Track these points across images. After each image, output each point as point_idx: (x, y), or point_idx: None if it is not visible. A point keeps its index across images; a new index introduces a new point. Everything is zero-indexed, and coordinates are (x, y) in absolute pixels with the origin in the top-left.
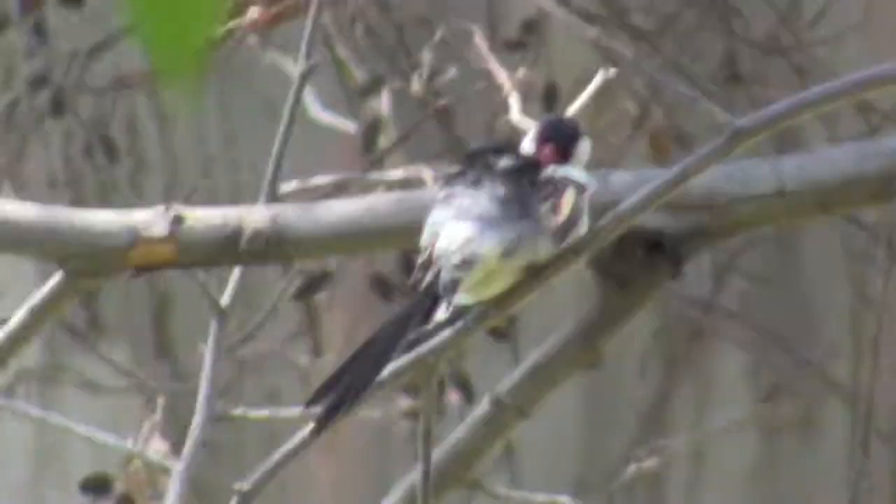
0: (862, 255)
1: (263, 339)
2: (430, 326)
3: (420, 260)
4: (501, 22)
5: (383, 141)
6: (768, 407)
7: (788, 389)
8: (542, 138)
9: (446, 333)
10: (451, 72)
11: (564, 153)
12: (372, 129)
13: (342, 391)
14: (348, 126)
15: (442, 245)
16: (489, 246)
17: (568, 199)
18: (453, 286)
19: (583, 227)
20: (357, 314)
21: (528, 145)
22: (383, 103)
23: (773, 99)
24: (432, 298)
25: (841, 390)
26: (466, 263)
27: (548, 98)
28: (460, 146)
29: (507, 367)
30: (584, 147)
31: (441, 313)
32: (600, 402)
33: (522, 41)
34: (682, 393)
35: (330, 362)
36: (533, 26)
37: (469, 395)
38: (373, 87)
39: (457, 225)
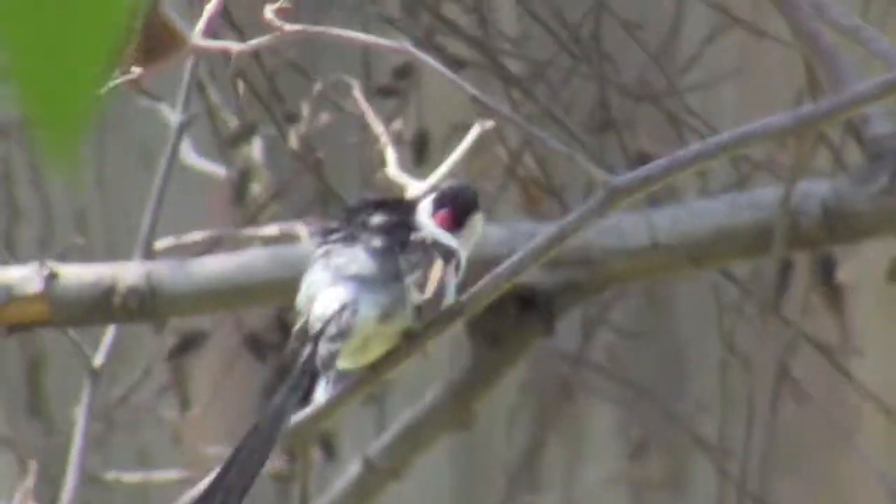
0: (733, 308)
1: (133, 397)
2: (309, 409)
3: (296, 327)
4: (375, 68)
5: (256, 189)
6: (637, 463)
7: (657, 445)
8: (439, 204)
9: (324, 400)
10: (324, 121)
11: (458, 222)
12: (244, 178)
13: (224, 497)
14: (220, 172)
15: (317, 313)
16: (365, 313)
17: (435, 274)
18: (331, 360)
19: (449, 298)
20: (226, 366)
21: (425, 207)
22: (256, 151)
23: (645, 147)
24: (310, 375)
25: (708, 446)
26: (343, 334)
27: (418, 146)
28: (334, 198)
29: (373, 426)
30: (479, 221)
31: (321, 393)
32: (470, 458)
33: (395, 88)
34: (552, 449)
35: (198, 416)
36: (405, 72)
37: (331, 452)
38: (245, 135)
39: (332, 290)
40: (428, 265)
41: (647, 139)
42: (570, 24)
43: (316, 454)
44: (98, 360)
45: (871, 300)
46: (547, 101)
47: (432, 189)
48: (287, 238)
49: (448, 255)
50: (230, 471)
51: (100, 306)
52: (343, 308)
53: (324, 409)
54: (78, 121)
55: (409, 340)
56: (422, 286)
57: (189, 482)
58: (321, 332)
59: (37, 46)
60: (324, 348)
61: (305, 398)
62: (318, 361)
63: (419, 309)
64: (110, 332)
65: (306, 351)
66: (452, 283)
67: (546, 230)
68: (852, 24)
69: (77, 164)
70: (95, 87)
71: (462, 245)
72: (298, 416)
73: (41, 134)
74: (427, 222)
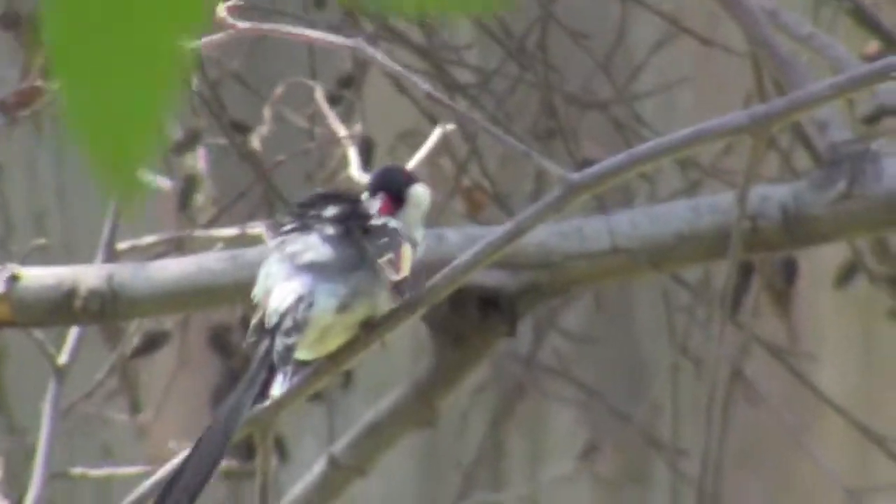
0: (684, 311)
1: (96, 396)
2: (267, 403)
3: (253, 320)
4: (320, 76)
5: (200, 199)
6: (592, 462)
7: (613, 444)
8: (374, 189)
9: (280, 395)
10: (271, 128)
11: (397, 200)
12: (188, 186)
13: (181, 497)
14: (164, 183)
15: (273, 306)
16: (322, 304)
17: (406, 255)
18: (287, 354)
19: (421, 283)
20: (178, 368)
21: (366, 199)
22: (200, 160)
23: (593, 154)
24: (267, 370)
25: (662, 446)
26: (298, 328)
27: (364, 152)
28: (280, 202)
29: (328, 428)
30: (419, 192)
31: (278, 387)
32: (433, 455)
33: (339, 95)
34: (514, 446)
35: (152, 418)
36: (350, 80)
37: (284, 454)
38: (189, 143)
39: (288, 283)
40: (397, 247)
41: (593, 147)
42: (516, 33)
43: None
44: (63, 358)
45: (828, 303)
46: (493, 109)
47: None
48: (246, 239)
49: (411, 241)
50: (186, 469)
51: (61, 308)
52: (299, 300)
53: (282, 399)
54: (138, 161)
55: (368, 331)
56: (395, 267)
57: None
58: (277, 326)
59: (97, 84)
60: (280, 343)
61: (262, 393)
62: (275, 356)
63: (395, 288)
64: (74, 330)
65: (263, 345)
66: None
67: (502, 227)
68: (806, 32)
69: (143, 194)
70: (157, 127)
71: (409, 222)
72: (257, 407)
73: (101, 172)
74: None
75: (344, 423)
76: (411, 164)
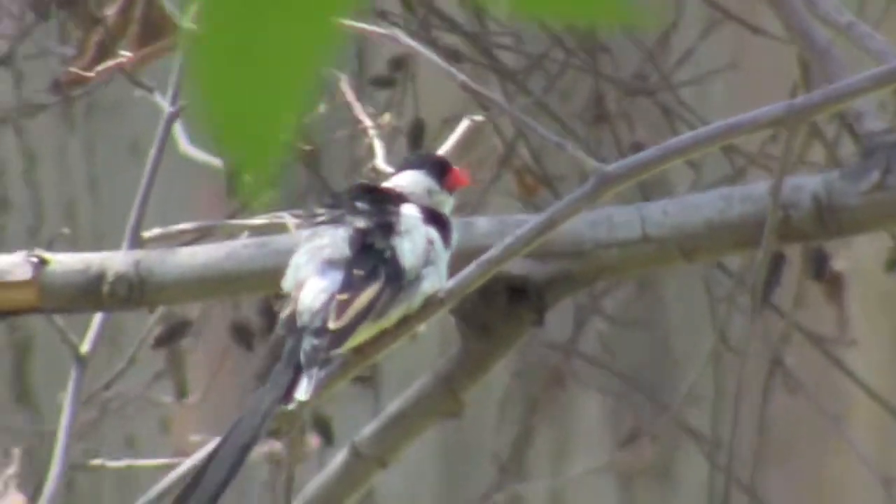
0: (725, 300)
1: (124, 383)
2: (291, 406)
3: (284, 312)
4: (371, 60)
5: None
6: (626, 453)
7: (647, 435)
8: (440, 169)
9: (306, 398)
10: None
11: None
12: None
13: (203, 497)
14: (215, 162)
15: (305, 303)
16: (354, 307)
17: (360, 302)
18: (315, 355)
19: (442, 271)
20: (222, 353)
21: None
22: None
23: (640, 139)
24: (294, 370)
25: (699, 437)
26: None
27: (414, 135)
28: (324, 188)
29: (368, 412)
30: (407, 178)
31: (303, 391)
32: (457, 447)
33: (390, 78)
34: (541, 438)
35: (193, 404)
36: (401, 63)
37: (329, 438)
38: None
39: (321, 280)
40: (358, 288)
41: (642, 132)
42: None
43: (313, 440)
44: (85, 347)
45: (861, 292)
46: (541, 93)
47: (396, 170)
48: (275, 228)
49: (447, 226)
50: (206, 472)
51: (88, 293)
52: (330, 300)
53: (307, 400)
54: (273, 162)
55: (399, 324)
56: (337, 312)
57: (173, 467)
58: (308, 321)
59: (233, 87)
60: (308, 343)
61: (287, 394)
62: (302, 356)
63: (329, 337)
64: (97, 319)
65: (291, 342)
66: (446, 255)
67: (534, 218)
68: (845, 21)
69: (270, 192)
70: (290, 129)
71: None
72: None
73: (238, 166)
74: (416, 203)
75: (371, 413)
76: (444, 150)
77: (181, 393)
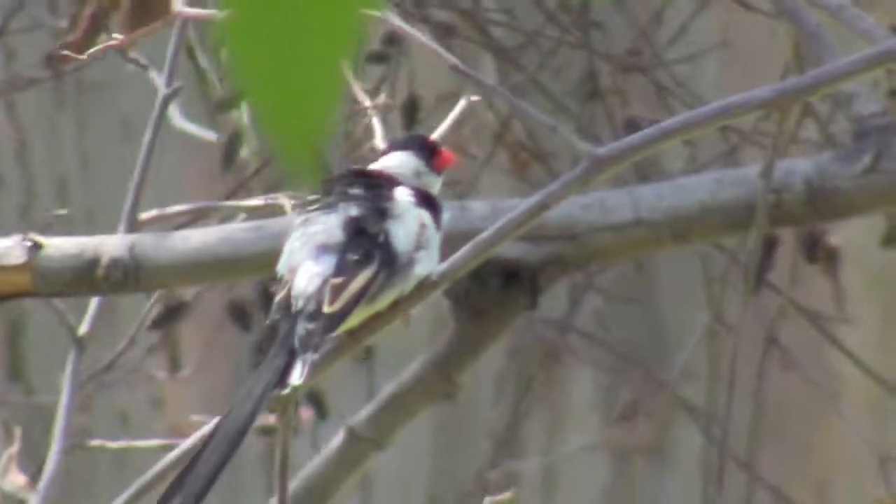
0: (719, 277)
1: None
2: (286, 391)
3: (278, 296)
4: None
5: (244, 154)
6: (621, 429)
7: (642, 411)
8: (429, 151)
9: (300, 383)
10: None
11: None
12: (233, 143)
13: (197, 483)
14: (210, 137)
15: (300, 288)
16: (349, 290)
17: (355, 286)
18: (309, 340)
19: (434, 251)
20: (210, 335)
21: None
22: (245, 116)
23: (633, 116)
24: (288, 354)
25: (694, 413)
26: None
27: (408, 112)
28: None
29: (362, 390)
30: (397, 160)
31: (297, 375)
32: (451, 425)
33: (384, 54)
34: (535, 415)
35: (187, 380)
36: (394, 39)
37: (323, 412)
38: (234, 100)
39: (314, 264)
40: (353, 272)
41: (636, 107)
42: None
43: (305, 413)
44: (83, 329)
45: (854, 269)
46: (535, 70)
47: (383, 152)
48: (271, 210)
49: (437, 208)
50: (203, 455)
51: (83, 277)
52: (324, 284)
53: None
54: (315, 140)
55: (392, 307)
56: (332, 296)
57: (170, 448)
58: (302, 305)
59: (273, 69)
60: (301, 327)
61: (282, 379)
62: (296, 341)
63: (324, 320)
64: (95, 301)
65: (285, 327)
66: (438, 238)
67: (526, 201)
68: (835, 4)
69: (318, 176)
70: (332, 108)
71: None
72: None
73: (281, 154)
74: (407, 186)
75: (364, 395)
76: (441, 132)
77: (174, 367)
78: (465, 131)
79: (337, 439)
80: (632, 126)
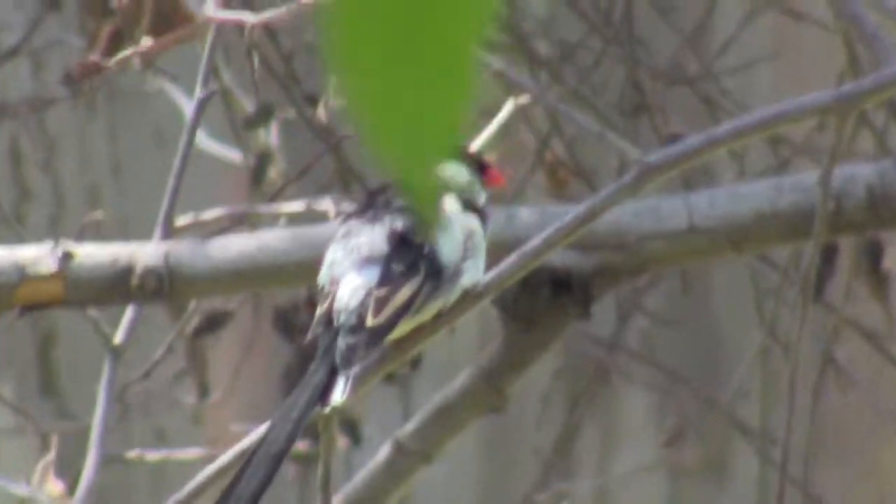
0: (773, 293)
1: (151, 378)
2: (327, 411)
3: (319, 309)
4: None
5: (272, 174)
6: (674, 449)
7: (695, 431)
8: (481, 166)
9: (342, 401)
10: (332, 100)
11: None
12: (262, 161)
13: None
14: (236, 157)
15: (342, 301)
16: (392, 304)
17: (399, 299)
18: (351, 356)
19: (480, 266)
20: (245, 350)
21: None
22: (273, 134)
23: (680, 130)
24: (329, 370)
25: (749, 433)
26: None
27: None
28: (354, 178)
29: (398, 407)
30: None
31: (338, 394)
32: (500, 443)
33: None
34: (586, 434)
35: (216, 401)
36: None
37: (357, 438)
38: (262, 118)
39: (358, 276)
40: (399, 284)
41: (680, 122)
42: (600, 5)
43: (340, 440)
44: (118, 338)
45: None
46: (576, 83)
47: None
48: (311, 216)
49: (485, 218)
50: (241, 478)
51: (117, 287)
52: (368, 296)
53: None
54: (437, 163)
55: (436, 318)
56: (377, 308)
57: (209, 460)
58: (344, 320)
59: (393, 105)
60: (343, 342)
61: (323, 396)
62: (337, 357)
63: (368, 333)
64: (130, 310)
65: (326, 341)
66: (484, 245)
67: (574, 209)
68: (893, 5)
69: (437, 215)
70: (454, 127)
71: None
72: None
73: (405, 191)
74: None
75: (411, 406)
76: (482, 139)
77: (203, 391)
78: (504, 148)
79: (383, 452)
80: (675, 140)
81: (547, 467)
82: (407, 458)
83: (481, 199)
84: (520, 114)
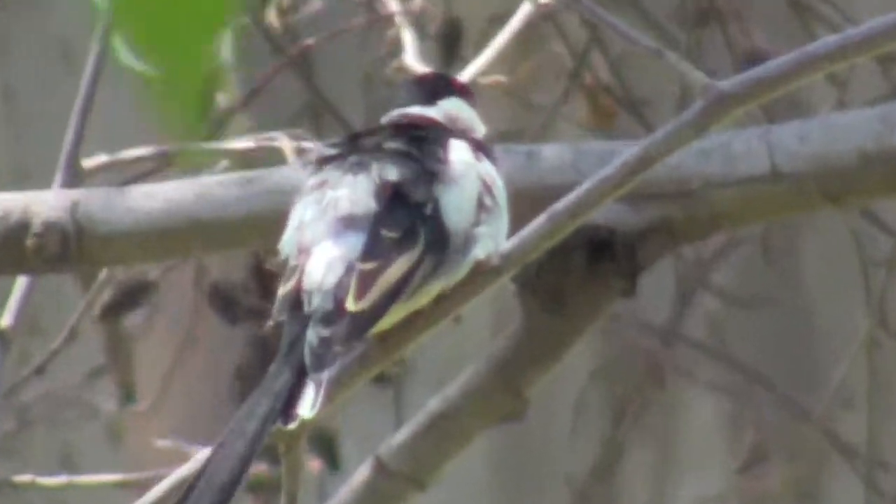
0: (883, 264)
1: (56, 378)
2: (292, 425)
3: (283, 289)
4: None
5: (221, 98)
6: (751, 476)
7: (780, 451)
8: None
9: (311, 415)
10: (316, 3)
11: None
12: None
13: None
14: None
15: (314, 277)
16: (378, 285)
17: (387, 279)
18: (323, 353)
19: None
20: (182, 341)
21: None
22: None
23: (762, 46)
24: (295, 373)
25: (851, 452)
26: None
27: (448, 40)
28: (325, 106)
29: (386, 417)
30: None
31: (307, 405)
32: (519, 465)
33: None
34: (634, 455)
35: (144, 410)
36: None
37: (334, 460)
38: None
39: (335, 244)
40: (387, 257)
41: (763, 36)
42: None
43: (313, 464)
44: (6, 319)
45: None
46: None
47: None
48: (266, 155)
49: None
50: (194, 495)
51: (7, 249)
52: (348, 272)
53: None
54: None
55: (438, 303)
56: (357, 291)
57: (130, 487)
58: (315, 303)
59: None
60: (314, 334)
61: (287, 407)
62: (307, 354)
63: (348, 320)
64: (21, 284)
65: (291, 333)
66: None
67: (624, 152)
68: None
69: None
70: (208, 53)
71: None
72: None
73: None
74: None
75: (404, 416)
76: (490, 54)
77: (127, 394)
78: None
79: (360, 474)
80: (756, 59)
81: (582, 499)
82: (392, 483)
83: (479, 136)
84: (547, 21)
